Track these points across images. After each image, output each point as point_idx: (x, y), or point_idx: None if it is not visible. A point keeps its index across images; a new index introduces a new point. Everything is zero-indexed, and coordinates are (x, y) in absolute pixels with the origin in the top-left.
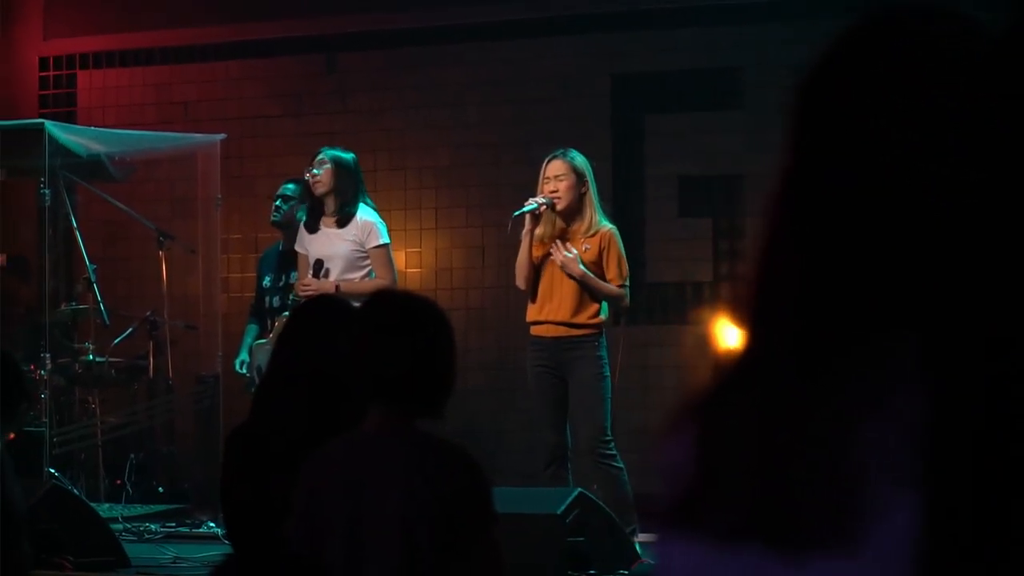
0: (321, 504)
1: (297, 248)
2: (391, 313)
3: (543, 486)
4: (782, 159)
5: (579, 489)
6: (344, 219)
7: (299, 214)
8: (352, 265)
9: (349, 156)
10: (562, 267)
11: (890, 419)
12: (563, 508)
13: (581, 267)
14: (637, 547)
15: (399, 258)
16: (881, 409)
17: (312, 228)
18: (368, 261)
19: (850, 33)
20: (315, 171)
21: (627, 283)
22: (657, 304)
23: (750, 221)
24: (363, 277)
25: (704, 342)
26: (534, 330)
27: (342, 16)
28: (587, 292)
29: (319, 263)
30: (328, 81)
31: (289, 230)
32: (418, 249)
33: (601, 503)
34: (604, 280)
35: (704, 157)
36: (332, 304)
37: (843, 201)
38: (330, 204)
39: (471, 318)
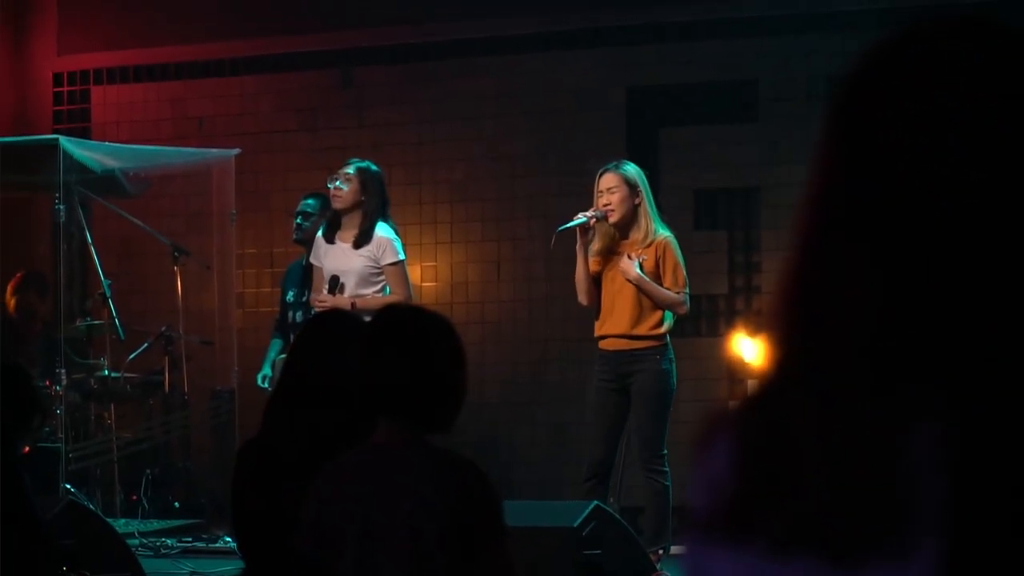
0: (332, 516)
1: (313, 260)
2: (400, 327)
3: (563, 499)
4: (824, 170)
5: (596, 502)
6: (362, 240)
7: (321, 229)
8: (366, 281)
9: (376, 171)
10: (622, 272)
11: (947, 424)
12: (579, 521)
13: (637, 271)
14: (659, 564)
15: (415, 272)
16: (936, 420)
17: (330, 239)
18: (382, 277)
19: (892, 43)
20: (339, 184)
21: (686, 290)
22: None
23: (766, 234)
24: (377, 292)
25: (721, 355)
26: (601, 345)
27: (357, 31)
28: (646, 299)
29: (335, 279)
30: (343, 96)
31: (311, 245)
32: (434, 263)
33: (618, 516)
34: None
35: (719, 170)
36: (343, 318)
37: (907, 214)
38: (352, 221)
39: (487, 332)
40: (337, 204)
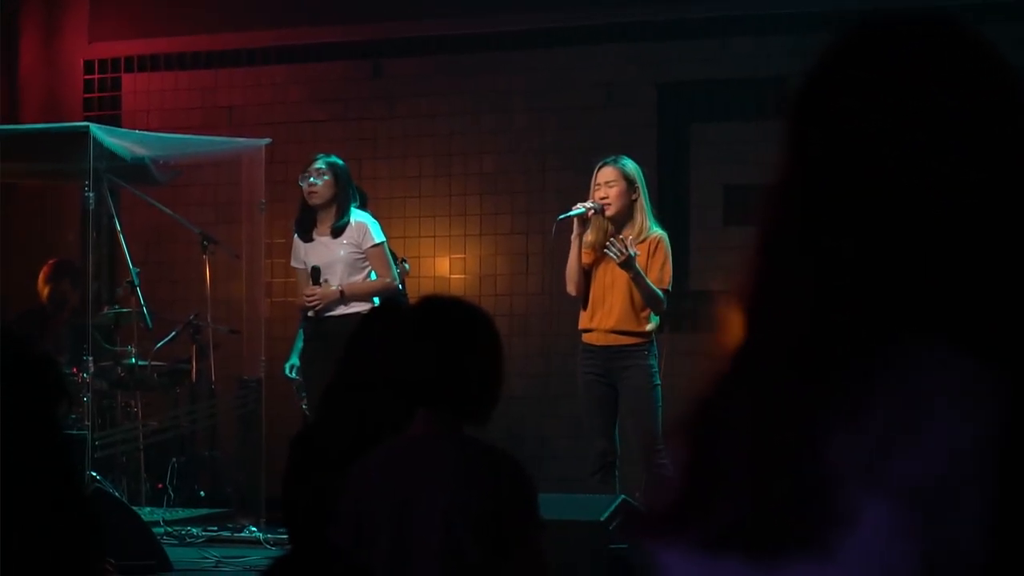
0: (367, 507)
1: (294, 264)
2: (440, 318)
3: (590, 492)
4: (780, 162)
5: (622, 496)
6: (339, 229)
7: (296, 233)
8: (353, 267)
9: (343, 165)
10: (608, 249)
11: (864, 428)
12: (606, 515)
13: (629, 252)
14: None
15: (443, 264)
16: (857, 417)
17: (307, 238)
18: (367, 262)
19: (847, 40)
20: (313, 180)
21: (668, 289)
22: (702, 312)
23: None
24: (364, 278)
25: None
26: (585, 337)
27: (389, 22)
28: (637, 295)
29: (316, 270)
30: (374, 86)
31: None
32: (462, 255)
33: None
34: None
35: (749, 166)
36: (400, 310)
37: (848, 206)
38: (327, 215)
39: (515, 324)
40: (315, 200)
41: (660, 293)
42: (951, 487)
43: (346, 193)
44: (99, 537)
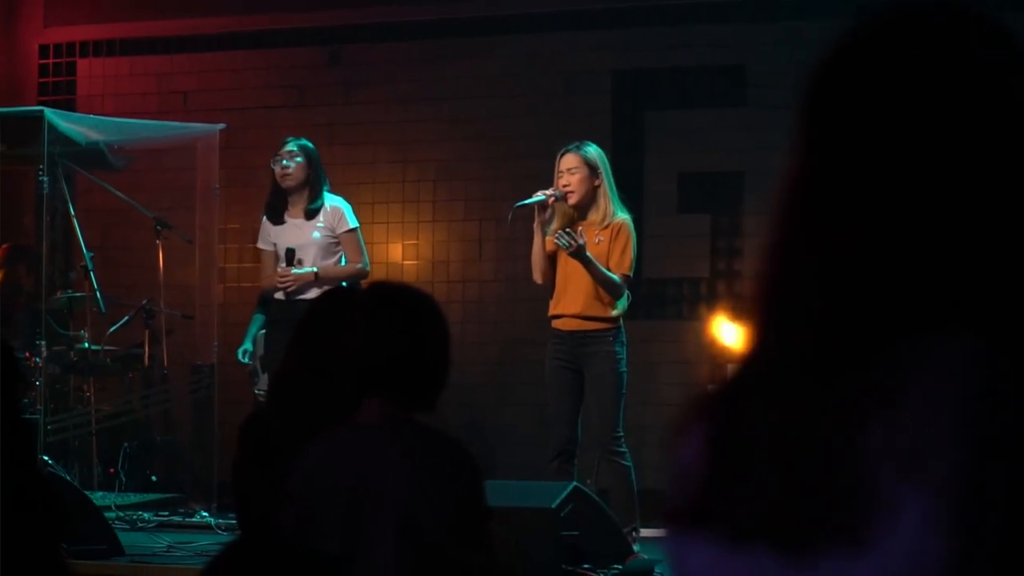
0: (318, 493)
1: (261, 245)
2: (389, 304)
3: (548, 479)
4: (792, 158)
5: (574, 483)
6: (314, 211)
7: (265, 215)
8: (326, 251)
9: (313, 146)
10: (558, 239)
11: (903, 419)
12: (558, 502)
13: (578, 241)
14: (636, 545)
15: (396, 250)
16: (893, 411)
17: (277, 220)
18: (340, 246)
19: (865, 26)
20: (285, 163)
21: (629, 275)
22: (655, 300)
23: (749, 219)
24: (336, 262)
25: (702, 338)
26: (553, 324)
27: (346, 8)
28: (591, 277)
29: (291, 252)
30: (330, 73)
31: None
32: (415, 241)
33: (596, 497)
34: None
35: (704, 154)
36: (351, 294)
37: (866, 201)
38: (300, 198)
39: (467, 311)
40: (288, 182)
41: (616, 279)
42: (980, 477)
43: (318, 175)
44: (58, 521)
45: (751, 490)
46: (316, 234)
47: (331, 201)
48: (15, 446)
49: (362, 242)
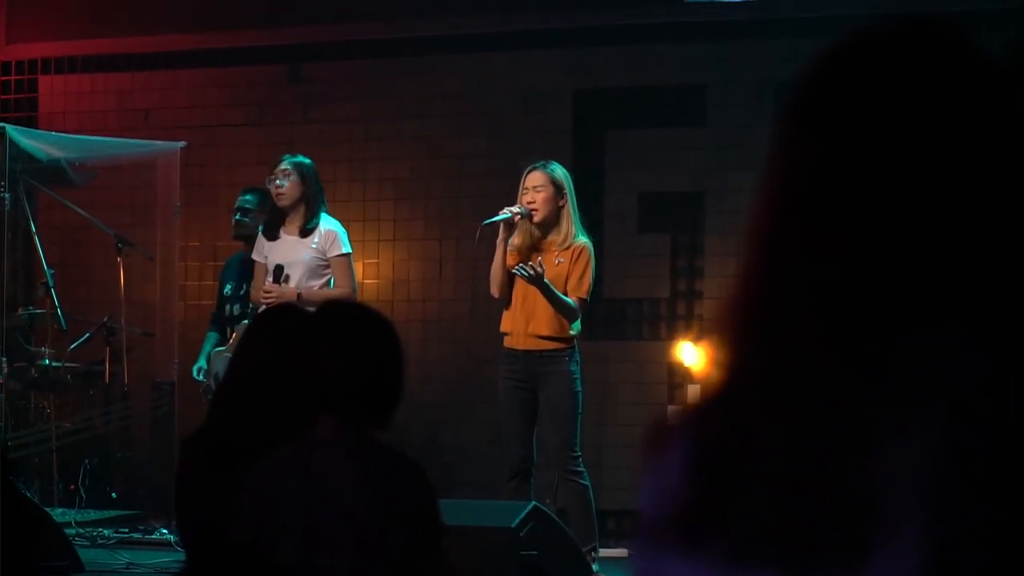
0: (271, 508)
1: (255, 257)
2: (343, 323)
3: (505, 499)
4: (779, 166)
5: (533, 503)
6: (310, 230)
7: (261, 228)
8: (314, 273)
9: (310, 163)
10: (518, 271)
11: (907, 441)
12: (517, 521)
13: (538, 271)
14: (595, 565)
15: (357, 269)
16: (899, 430)
17: (272, 236)
18: (329, 269)
19: (845, 45)
20: (279, 182)
21: (585, 299)
22: (615, 320)
23: (710, 239)
24: (323, 285)
25: (662, 358)
26: (506, 342)
27: (306, 26)
28: (547, 300)
29: (279, 268)
30: (291, 91)
31: (251, 240)
32: (376, 260)
33: (555, 517)
34: (559, 285)
35: (665, 174)
36: (290, 312)
37: (860, 210)
38: (296, 215)
39: (428, 330)
40: (283, 201)
41: (572, 303)
42: (975, 490)
43: (314, 192)
44: (35, 534)
45: (750, 507)
46: (307, 254)
47: (327, 224)
48: None
49: (352, 268)
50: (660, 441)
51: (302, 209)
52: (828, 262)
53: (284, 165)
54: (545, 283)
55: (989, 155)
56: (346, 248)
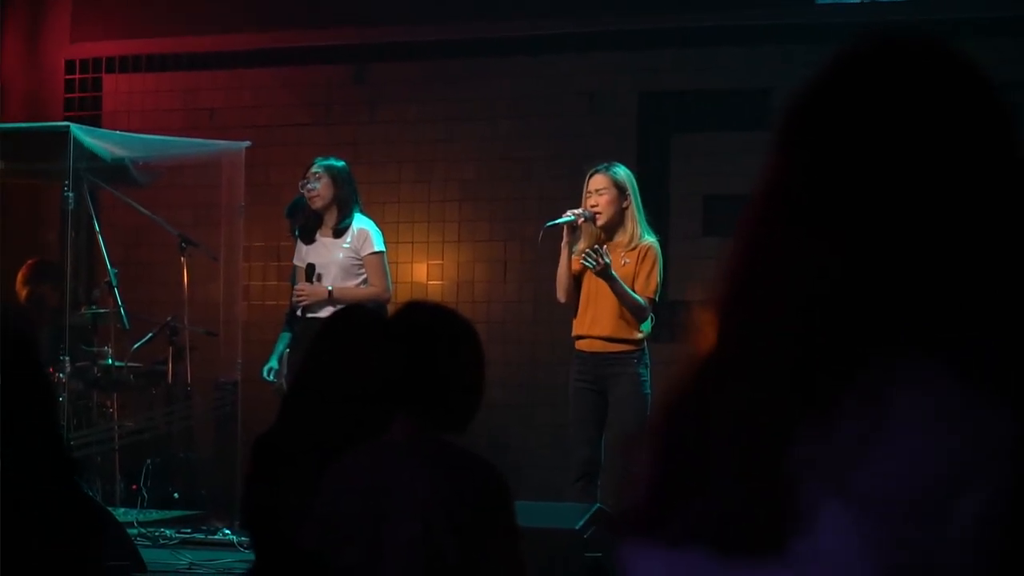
0: (341, 511)
1: (295, 261)
2: (419, 323)
3: (571, 500)
4: (767, 175)
5: (599, 505)
6: (343, 230)
7: (297, 232)
8: (348, 272)
9: (342, 164)
10: (585, 260)
11: (829, 432)
12: (581, 523)
13: (605, 260)
14: None
15: (421, 270)
16: (821, 422)
17: (309, 239)
18: (364, 269)
19: (842, 58)
20: (311, 185)
21: (653, 298)
22: (679, 322)
23: None
24: (358, 284)
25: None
26: (577, 345)
27: (373, 27)
28: (616, 297)
29: (311, 267)
30: (357, 91)
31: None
32: (440, 261)
33: None
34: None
35: (730, 177)
36: (362, 314)
37: (835, 220)
38: (330, 217)
39: (492, 332)
40: (317, 204)
41: (642, 301)
42: (928, 502)
43: (346, 193)
44: (98, 534)
45: (689, 495)
46: (340, 254)
47: (360, 223)
48: (56, 459)
49: (386, 267)
50: (643, 435)
51: (335, 210)
52: (805, 272)
53: (315, 168)
54: (612, 274)
55: (977, 165)
56: (379, 247)
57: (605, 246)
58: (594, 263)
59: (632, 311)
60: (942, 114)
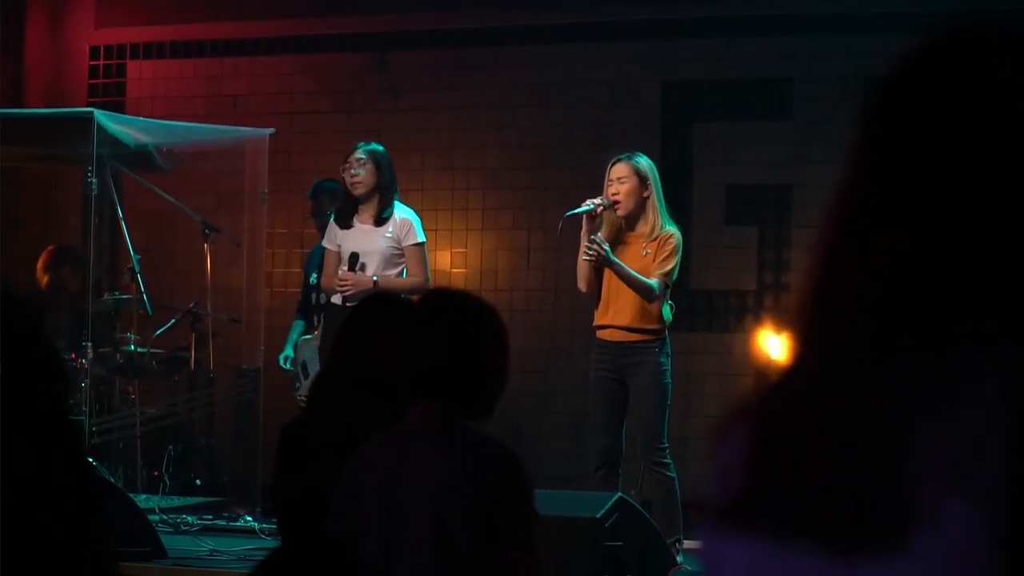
0: (360, 498)
1: (327, 245)
2: (444, 309)
3: (592, 489)
4: (852, 165)
5: (619, 493)
6: (385, 219)
7: (332, 216)
8: (388, 262)
9: (384, 151)
10: (585, 255)
11: (951, 427)
12: (602, 512)
13: (603, 249)
14: (679, 556)
15: (444, 258)
16: (942, 416)
17: (345, 224)
18: (403, 258)
19: (931, 45)
20: (355, 171)
21: (667, 281)
22: (700, 311)
23: (796, 231)
24: (397, 274)
25: (747, 350)
26: (599, 334)
27: (395, 14)
28: (622, 280)
29: (355, 256)
30: (379, 79)
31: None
32: (463, 250)
33: (640, 508)
34: (647, 276)
35: (752, 166)
36: (391, 303)
37: (925, 210)
38: (370, 204)
39: (515, 320)
40: (359, 190)
41: (650, 282)
42: None
43: (388, 180)
44: (104, 522)
45: (795, 489)
46: (383, 243)
47: (401, 212)
48: (62, 449)
49: (426, 257)
50: (725, 428)
51: (377, 198)
52: (893, 259)
53: (359, 154)
54: (612, 260)
55: None
56: (421, 237)
57: (600, 233)
58: (591, 255)
59: (642, 293)
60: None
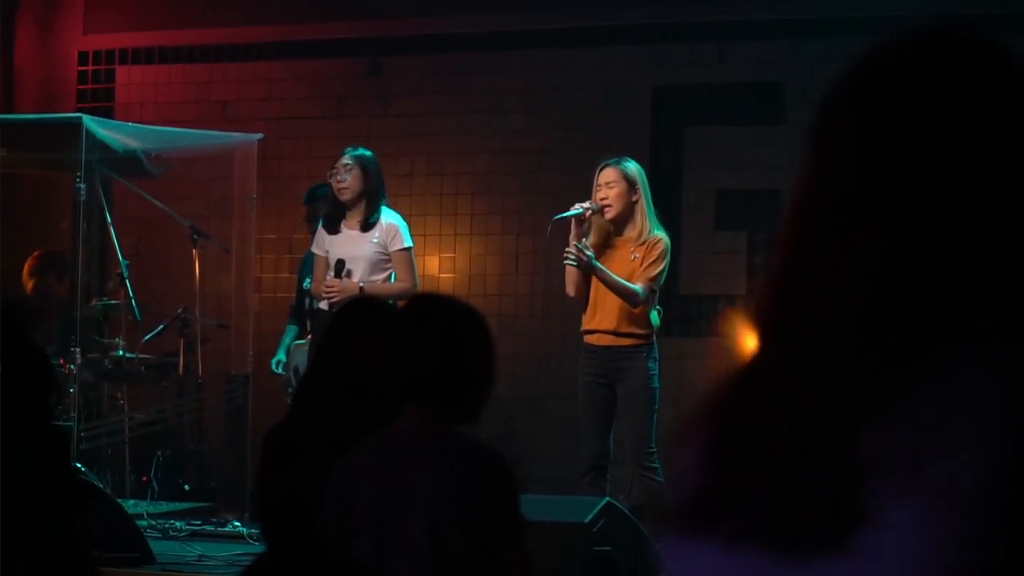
0: (351, 502)
1: (315, 250)
2: (431, 314)
3: (581, 494)
4: (813, 169)
5: (607, 498)
6: (371, 224)
7: (321, 222)
8: (375, 267)
9: (371, 156)
10: (566, 261)
11: (904, 426)
12: (590, 517)
13: (585, 254)
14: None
15: (433, 263)
16: (894, 416)
17: (333, 230)
18: (391, 264)
19: (884, 48)
20: (341, 177)
21: (652, 286)
22: (691, 316)
23: None
24: (385, 279)
25: (737, 355)
26: (586, 339)
27: (386, 20)
28: (605, 285)
29: (340, 263)
30: (370, 84)
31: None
32: (452, 254)
33: (629, 513)
34: (635, 281)
35: (742, 171)
36: (375, 307)
37: (899, 206)
38: (358, 209)
39: (503, 325)
40: (345, 196)
41: (633, 287)
42: (997, 493)
43: (375, 186)
44: (92, 528)
45: (748, 491)
46: (369, 248)
47: (388, 217)
48: (47, 451)
49: (414, 262)
50: (683, 432)
51: (364, 203)
52: (860, 261)
53: (346, 159)
54: (595, 265)
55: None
56: (408, 242)
57: (585, 240)
58: (574, 260)
59: (626, 298)
60: (987, 109)
